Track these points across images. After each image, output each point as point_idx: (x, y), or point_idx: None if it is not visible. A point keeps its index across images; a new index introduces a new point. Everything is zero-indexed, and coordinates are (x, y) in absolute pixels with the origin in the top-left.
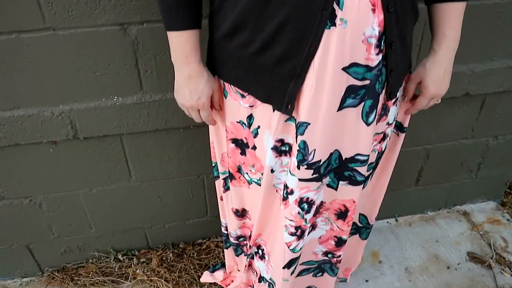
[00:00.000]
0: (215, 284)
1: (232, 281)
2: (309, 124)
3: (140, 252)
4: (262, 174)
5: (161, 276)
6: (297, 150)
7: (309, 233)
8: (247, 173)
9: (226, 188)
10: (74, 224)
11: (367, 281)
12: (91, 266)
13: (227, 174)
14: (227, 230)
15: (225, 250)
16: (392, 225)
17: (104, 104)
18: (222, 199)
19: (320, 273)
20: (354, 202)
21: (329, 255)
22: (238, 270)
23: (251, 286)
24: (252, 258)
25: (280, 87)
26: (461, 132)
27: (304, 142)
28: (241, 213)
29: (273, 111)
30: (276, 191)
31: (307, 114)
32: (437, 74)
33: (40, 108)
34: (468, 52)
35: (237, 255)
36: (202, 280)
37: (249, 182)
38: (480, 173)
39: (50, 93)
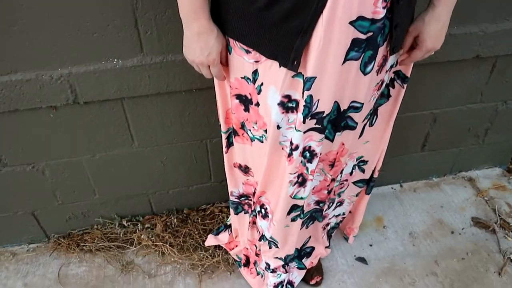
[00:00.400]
0: (219, 248)
1: (236, 245)
2: (316, 78)
3: (144, 218)
4: (265, 131)
5: (166, 241)
6: (303, 106)
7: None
8: (250, 130)
9: (230, 145)
10: (77, 190)
11: (371, 245)
12: (96, 232)
13: (231, 131)
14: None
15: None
16: (396, 191)
17: (104, 67)
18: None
19: (311, 221)
20: (343, 145)
21: (321, 204)
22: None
23: (255, 245)
24: (255, 216)
25: (286, 43)
26: (470, 96)
27: (310, 97)
28: (244, 169)
29: (279, 67)
30: (282, 148)
31: (314, 69)
32: (435, 29)
33: (38, 72)
34: (480, 11)
35: (237, 214)
36: (207, 243)
37: (252, 139)
38: (487, 139)
39: (48, 56)
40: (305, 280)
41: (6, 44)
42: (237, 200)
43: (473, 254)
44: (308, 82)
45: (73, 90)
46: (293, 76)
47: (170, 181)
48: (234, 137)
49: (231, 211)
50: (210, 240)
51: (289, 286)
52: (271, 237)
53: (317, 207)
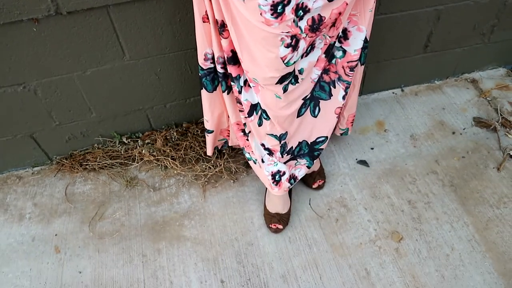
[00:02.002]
0: (221, 158)
1: (228, 131)
2: None
3: (144, 134)
4: None
5: (167, 155)
6: None
7: (308, 53)
8: None
9: None
10: (73, 109)
11: (372, 148)
12: (98, 151)
13: None
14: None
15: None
16: (397, 95)
17: None
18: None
19: (317, 109)
20: (347, 4)
21: (322, 74)
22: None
23: (242, 130)
24: (240, 92)
25: None
26: None
27: None
28: (220, 27)
29: None
30: (260, 14)
31: None
32: None
33: None
34: None
35: (213, 89)
36: (209, 153)
37: None
38: (493, 37)
39: None
40: (307, 184)
41: None
42: (211, 65)
43: (473, 152)
44: None
45: None
46: None
47: (166, 94)
48: None
49: (203, 90)
50: (208, 147)
51: (292, 180)
52: (261, 109)
53: (320, 76)
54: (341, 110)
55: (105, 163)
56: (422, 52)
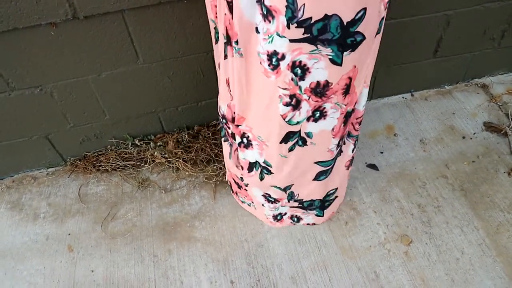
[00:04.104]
0: None
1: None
2: None
3: (156, 136)
4: (237, 43)
5: (179, 157)
6: (285, 6)
7: (317, 119)
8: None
9: (225, 55)
10: (88, 112)
11: (382, 152)
12: (111, 153)
13: (224, 37)
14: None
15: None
16: (407, 100)
17: None
18: (219, 67)
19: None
20: (355, 67)
21: (340, 142)
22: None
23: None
24: (237, 149)
25: None
26: None
27: None
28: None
29: None
30: (260, 63)
31: None
32: None
33: None
34: None
35: (221, 138)
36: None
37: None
38: (503, 42)
39: None
40: None
41: None
42: (220, 120)
43: (484, 156)
44: None
45: (71, 3)
46: None
47: (179, 97)
48: (227, 46)
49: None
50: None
51: (295, 219)
52: (264, 161)
53: (339, 148)
54: (350, 162)
55: (118, 164)
56: (432, 57)
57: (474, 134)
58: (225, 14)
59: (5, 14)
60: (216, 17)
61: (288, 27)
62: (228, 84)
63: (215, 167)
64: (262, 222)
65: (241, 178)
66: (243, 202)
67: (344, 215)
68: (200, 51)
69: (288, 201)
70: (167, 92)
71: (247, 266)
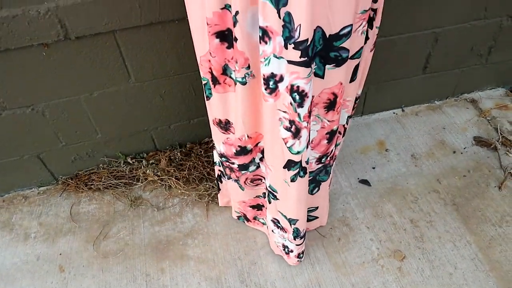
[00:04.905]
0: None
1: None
2: None
3: (148, 154)
4: (248, 68)
5: (171, 175)
6: (282, 26)
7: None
8: (233, 71)
9: (207, 96)
10: (80, 130)
11: (374, 168)
12: (103, 171)
13: (207, 80)
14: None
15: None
16: (398, 116)
17: None
18: (213, 123)
19: (317, 189)
20: (341, 84)
21: (323, 159)
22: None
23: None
24: (258, 167)
25: None
26: (473, 12)
27: (289, 14)
28: (224, 125)
29: None
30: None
31: None
32: None
33: (24, 7)
34: None
35: (221, 178)
36: (221, 204)
37: (235, 83)
38: (490, 58)
39: None
40: None
41: None
42: (220, 159)
43: (475, 171)
44: None
45: (63, 24)
46: None
47: (171, 115)
48: (214, 86)
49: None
50: (222, 200)
51: (302, 255)
52: (269, 186)
53: (320, 165)
54: (330, 181)
55: (110, 183)
56: (421, 73)
57: (464, 148)
58: (231, 48)
59: None
60: (210, 70)
61: (286, 47)
62: (216, 123)
63: (207, 185)
64: (255, 239)
65: (264, 194)
66: (263, 224)
67: (337, 231)
68: (192, 70)
69: (294, 239)
70: (159, 110)
71: (240, 284)
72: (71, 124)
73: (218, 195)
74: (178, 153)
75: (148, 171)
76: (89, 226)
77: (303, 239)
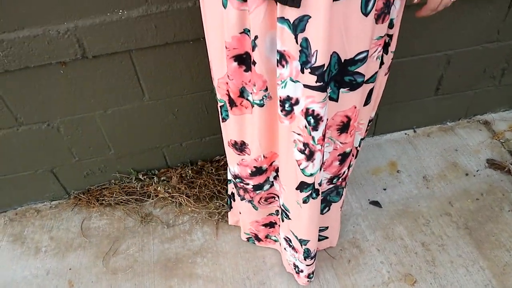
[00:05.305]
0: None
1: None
2: (310, 17)
3: (159, 171)
4: (266, 90)
5: (182, 192)
6: (299, 51)
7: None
8: (250, 94)
9: (224, 118)
10: (93, 146)
11: (385, 189)
12: (114, 187)
13: (224, 102)
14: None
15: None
16: (410, 136)
17: (110, 19)
18: (228, 145)
19: (327, 208)
20: (355, 108)
21: (334, 180)
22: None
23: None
24: (272, 185)
25: None
26: (486, 35)
27: (306, 40)
28: (240, 147)
29: (276, 4)
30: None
31: (307, 5)
32: None
33: (45, 27)
34: None
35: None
36: (230, 223)
37: (252, 105)
38: (503, 80)
39: (53, 10)
40: None
41: (11, 0)
42: (233, 180)
43: (488, 194)
44: (302, 23)
45: (81, 44)
46: (279, 22)
47: (183, 133)
48: (231, 108)
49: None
50: (232, 219)
51: (312, 275)
52: (283, 205)
53: (331, 185)
54: (343, 203)
55: (121, 198)
56: (433, 95)
57: (477, 171)
58: (249, 71)
59: (17, 54)
60: (227, 93)
61: (302, 71)
62: (231, 145)
63: (217, 203)
64: (264, 259)
65: (277, 211)
66: (275, 241)
67: (347, 253)
68: (205, 89)
69: (305, 259)
70: (171, 128)
71: None
72: (85, 140)
73: (229, 213)
74: (189, 171)
75: (159, 187)
76: (99, 241)
77: (313, 259)
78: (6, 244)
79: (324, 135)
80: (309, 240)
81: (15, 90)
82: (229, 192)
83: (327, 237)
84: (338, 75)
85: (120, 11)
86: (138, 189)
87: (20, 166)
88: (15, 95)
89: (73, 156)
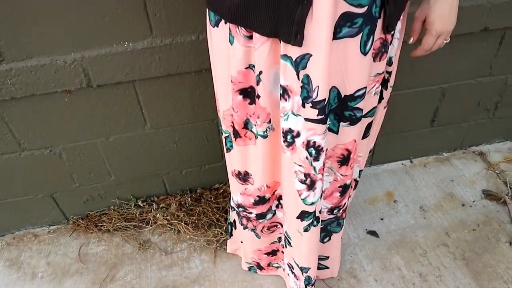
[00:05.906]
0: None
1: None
2: (311, 55)
3: (159, 198)
4: (269, 122)
5: (181, 219)
6: (301, 87)
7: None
8: (254, 126)
9: (228, 148)
10: (94, 172)
11: (382, 219)
12: (113, 213)
13: (229, 133)
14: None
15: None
16: (406, 167)
17: (115, 50)
18: (232, 175)
19: (328, 238)
20: (355, 141)
21: (335, 211)
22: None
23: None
24: (274, 214)
25: (286, 16)
26: (479, 69)
27: (307, 77)
28: (243, 177)
29: (280, 43)
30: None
31: (309, 44)
32: (442, 9)
33: (52, 57)
34: None
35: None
36: (229, 251)
37: (256, 136)
38: (497, 113)
39: (61, 41)
40: None
41: (21, 31)
42: (236, 209)
43: (484, 225)
44: (303, 60)
45: (86, 74)
46: (281, 59)
47: (183, 161)
48: (235, 139)
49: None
50: (230, 247)
51: None
52: (286, 232)
53: (331, 216)
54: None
55: (120, 225)
56: (429, 126)
57: (473, 202)
58: (253, 104)
59: (25, 82)
60: (232, 124)
61: (304, 106)
62: (235, 175)
63: (216, 231)
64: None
65: (279, 238)
66: (277, 267)
67: (344, 283)
68: (206, 119)
69: (306, 287)
70: (172, 156)
71: None
72: (86, 166)
73: (228, 241)
74: (189, 198)
75: (158, 214)
76: (97, 267)
77: (313, 286)
78: (2, 268)
79: (324, 165)
80: (309, 268)
81: (20, 116)
82: (231, 220)
83: (327, 267)
84: (338, 109)
85: (126, 43)
86: (137, 215)
87: (21, 190)
88: (20, 121)
89: (73, 181)
